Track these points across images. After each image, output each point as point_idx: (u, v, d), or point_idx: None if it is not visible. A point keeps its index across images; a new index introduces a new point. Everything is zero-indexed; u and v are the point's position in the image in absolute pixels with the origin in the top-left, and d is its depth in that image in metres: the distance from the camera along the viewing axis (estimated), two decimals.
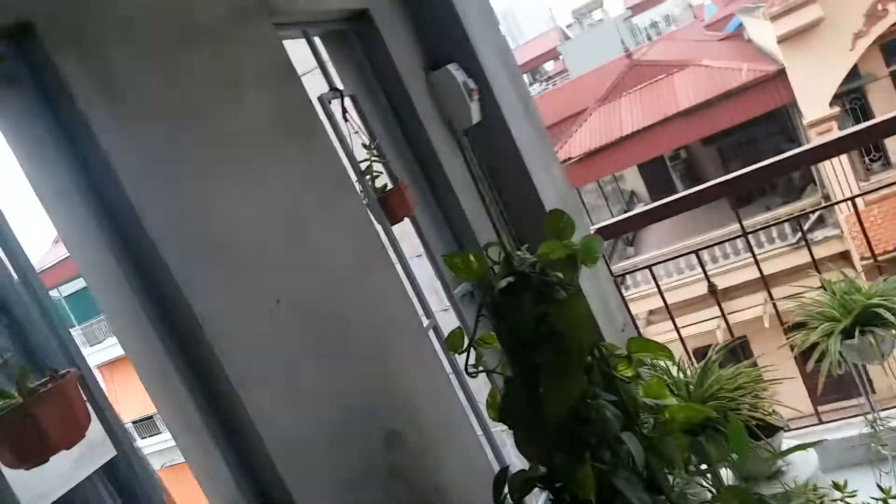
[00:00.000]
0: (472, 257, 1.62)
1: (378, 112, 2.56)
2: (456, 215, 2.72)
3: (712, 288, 3.92)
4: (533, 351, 1.57)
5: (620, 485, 1.54)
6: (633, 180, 23.41)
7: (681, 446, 1.73)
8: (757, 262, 3.73)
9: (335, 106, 2.23)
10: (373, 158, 2.26)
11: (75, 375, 1.27)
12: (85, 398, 1.30)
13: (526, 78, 32.93)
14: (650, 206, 4.01)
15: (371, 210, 2.24)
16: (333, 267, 1.99)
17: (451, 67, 2.76)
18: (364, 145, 2.28)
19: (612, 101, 18.57)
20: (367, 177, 2.24)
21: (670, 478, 1.71)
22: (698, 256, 3.99)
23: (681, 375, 2.79)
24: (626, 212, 22.14)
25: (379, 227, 2.24)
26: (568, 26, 41.65)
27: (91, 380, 1.40)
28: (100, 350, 18.64)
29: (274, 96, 1.97)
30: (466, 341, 1.74)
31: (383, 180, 2.35)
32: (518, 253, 1.65)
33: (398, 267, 2.26)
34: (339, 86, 2.30)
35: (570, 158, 17.34)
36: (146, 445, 16.74)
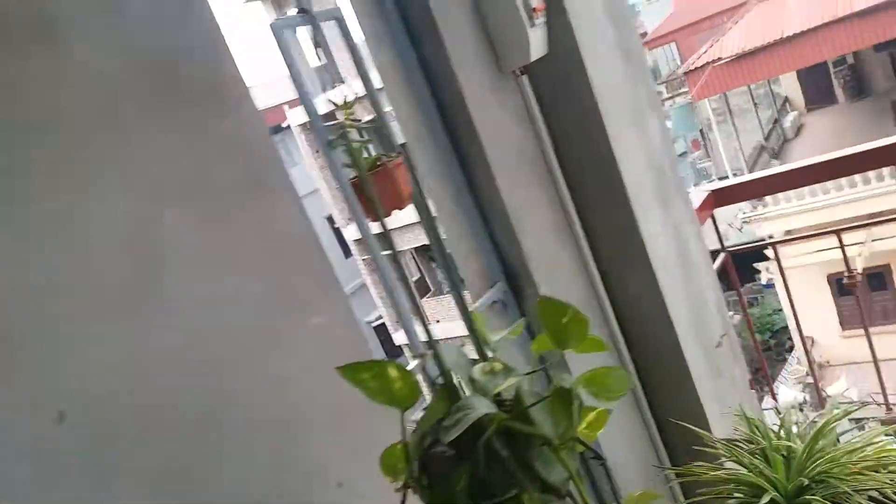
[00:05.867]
0: (392, 371, 0.92)
1: (385, 43, 1.78)
2: (492, 206, 1.95)
3: (852, 281, 3.05)
4: None
5: None
6: (788, 85, 21.19)
7: None
8: None
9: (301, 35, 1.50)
10: (351, 121, 1.52)
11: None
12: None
13: None
14: (775, 172, 3.22)
15: (347, 201, 1.53)
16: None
17: None
18: (342, 104, 1.55)
19: None
20: (341, 147, 1.52)
21: None
22: (839, 239, 3.09)
23: (782, 432, 2.02)
24: (775, 120, 19.91)
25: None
26: None
27: None
28: None
29: None
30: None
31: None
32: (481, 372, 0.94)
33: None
34: (309, 4, 1.52)
35: (719, 59, 15.62)
36: None
